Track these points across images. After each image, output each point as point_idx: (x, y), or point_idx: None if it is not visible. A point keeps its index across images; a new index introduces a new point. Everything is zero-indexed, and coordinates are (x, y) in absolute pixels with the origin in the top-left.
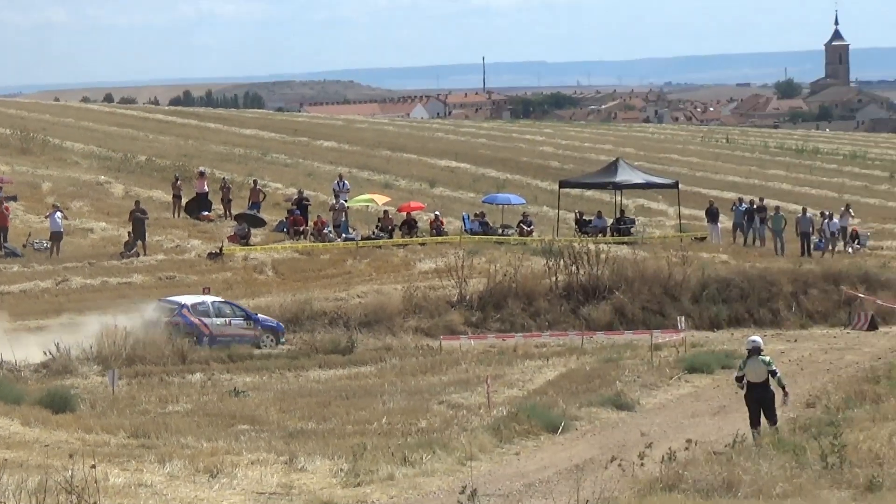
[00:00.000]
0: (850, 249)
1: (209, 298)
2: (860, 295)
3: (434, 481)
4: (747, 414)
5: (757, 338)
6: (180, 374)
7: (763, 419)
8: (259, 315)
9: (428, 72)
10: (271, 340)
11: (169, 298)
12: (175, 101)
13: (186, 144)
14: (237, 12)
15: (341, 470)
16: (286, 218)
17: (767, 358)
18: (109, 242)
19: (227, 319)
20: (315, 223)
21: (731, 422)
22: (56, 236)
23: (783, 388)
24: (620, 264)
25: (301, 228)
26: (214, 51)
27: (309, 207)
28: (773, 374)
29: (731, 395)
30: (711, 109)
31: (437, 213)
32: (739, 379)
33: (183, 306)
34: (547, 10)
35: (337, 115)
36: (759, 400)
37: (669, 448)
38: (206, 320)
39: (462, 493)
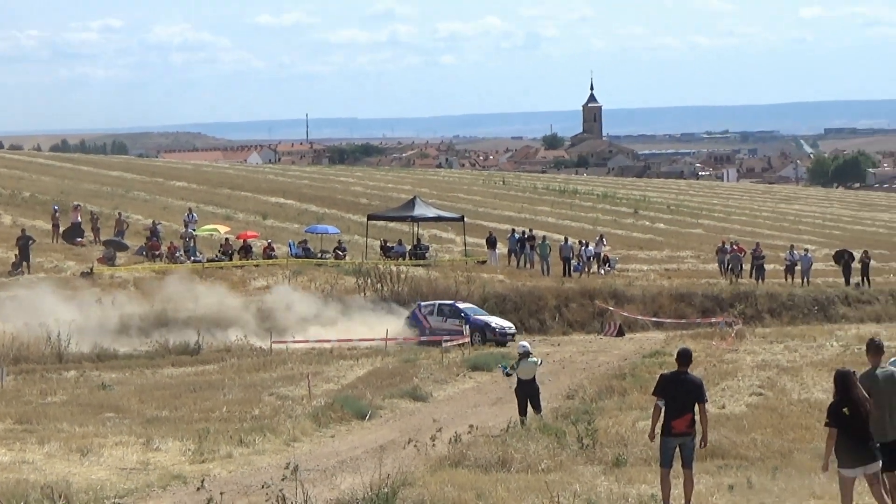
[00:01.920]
0: (602, 271)
1: (438, 301)
2: (610, 308)
3: (265, 459)
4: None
5: (526, 343)
6: (58, 371)
7: (530, 409)
8: (475, 316)
9: (262, 125)
10: (478, 338)
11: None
12: (55, 148)
13: (63, 183)
14: (107, 75)
15: (189, 449)
16: (145, 243)
17: (537, 359)
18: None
19: (445, 318)
20: (169, 248)
21: (506, 411)
22: None
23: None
24: (417, 283)
25: (157, 252)
26: (88, 107)
27: (162, 234)
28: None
29: (506, 389)
30: (491, 157)
31: (269, 240)
32: (508, 375)
33: (417, 305)
34: (360, 76)
35: (188, 160)
36: (528, 393)
37: (456, 432)
38: (430, 318)
39: (286, 468)
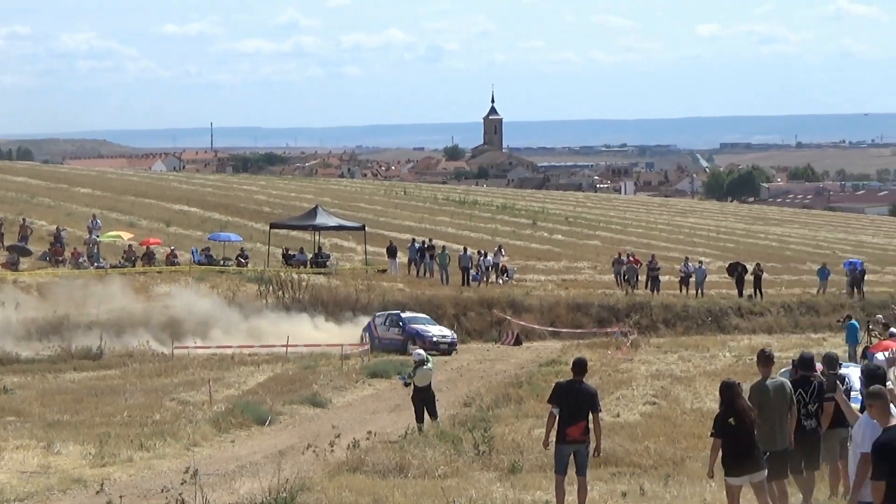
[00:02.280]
0: (500, 281)
1: (387, 312)
2: (508, 317)
3: (165, 463)
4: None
5: (422, 351)
6: None
7: (427, 416)
8: (410, 325)
9: (166, 134)
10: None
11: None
12: None
13: None
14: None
15: (90, 453)
16: (49, 249)
17: (433, 366)
18: None
19: (388, 327)
20: (72, 253)
21: (405, 417)
22: None
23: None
24: (318, 290)
25: (61, 258)
26: None
27: (66, 240)
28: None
29: (405, 396)
30: (393, 168)
31: (172, 247)
32: (408, 384)
33: (374, 315)
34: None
35: (92, 167)
36: (424, 400)
37: (354, 438)
38: (380, 328)
39: (186, 472)
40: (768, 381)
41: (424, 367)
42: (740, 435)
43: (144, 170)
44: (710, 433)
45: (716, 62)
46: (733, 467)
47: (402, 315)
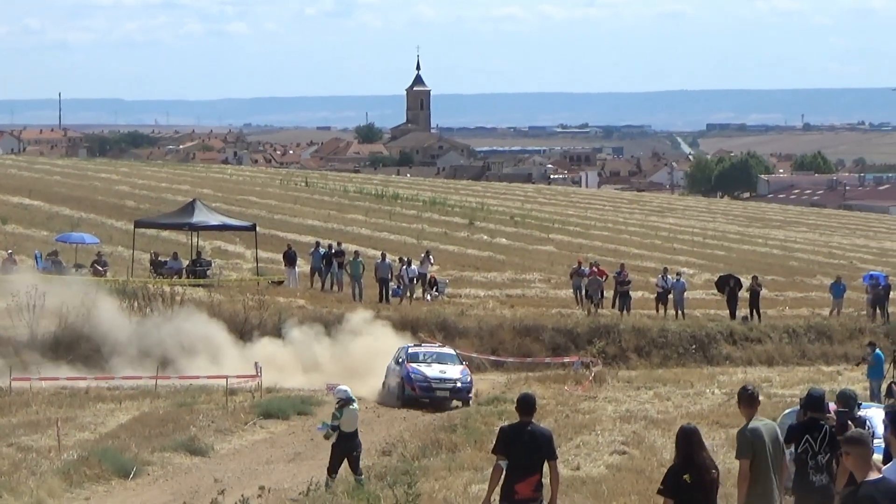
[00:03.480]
0: (428, 296)
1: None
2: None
3: None
4: (324, 461)
5: (346, 387)
6: None
7: (347, 468)
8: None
9: (2, 106)
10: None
11: None
12: None
13: None
14: None
15: None
16: None
17: (357, 406)
18: None
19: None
20: None
21: (307, 468)
22: None
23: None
24: (196, 307)
25: None
26: None
27: None
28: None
29: (307, 442)
30: (291, 152)
31: (9, 251)
32: (335, 428)
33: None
34: (126, 47)
35: None
36: (348, 450)
37: (242, 495)
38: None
39: None
40: (761, 424)
41: (351, 406)
42: (697, 498)
43: None
44: (658, 489)
45: (702, 21)
46: None
47: (409, 349)
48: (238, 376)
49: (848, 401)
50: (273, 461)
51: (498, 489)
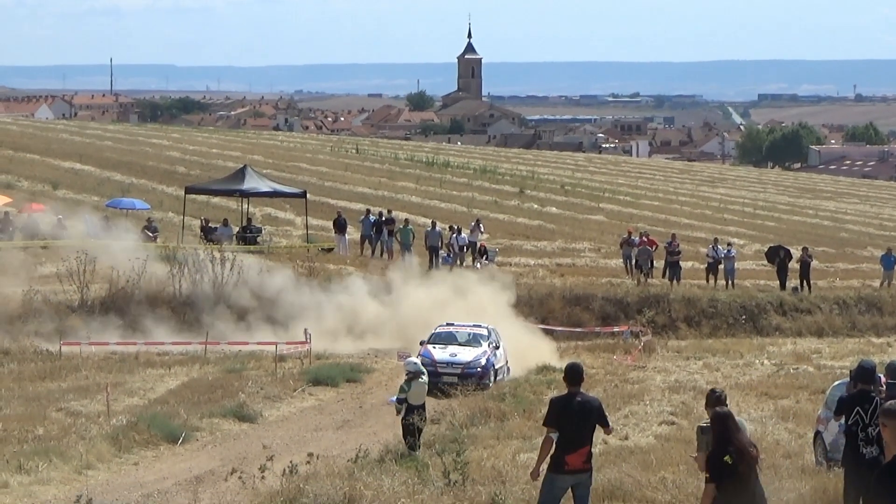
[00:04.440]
0: (478, 265)
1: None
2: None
3: (50, 490)
4: (373, 429)
5: (416, 359)
6: None
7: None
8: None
9: (54, 71)
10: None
11: None
12: None
13: None
14: None
15: None
16: None
17: (427, 379)
18: None
19: None
20: None
21: (355, 436)
22: None
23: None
24: (246, 273)
25: None
26: None
27: None
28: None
29: (356, 410)
30: (342, 119)
31: (60, 216)
32: (402, 401)
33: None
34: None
35: None
36: (415, 422)
37: (291, 461)
38: None
39: (77, 502)
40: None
41: (420, 379)
42: (742, 477)
43: (25, 116)
44: (705, 478)
45: None
46: None
47: (437, 329)
48: (287, 343)
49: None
50: (322, 428)
51: (547, 459)
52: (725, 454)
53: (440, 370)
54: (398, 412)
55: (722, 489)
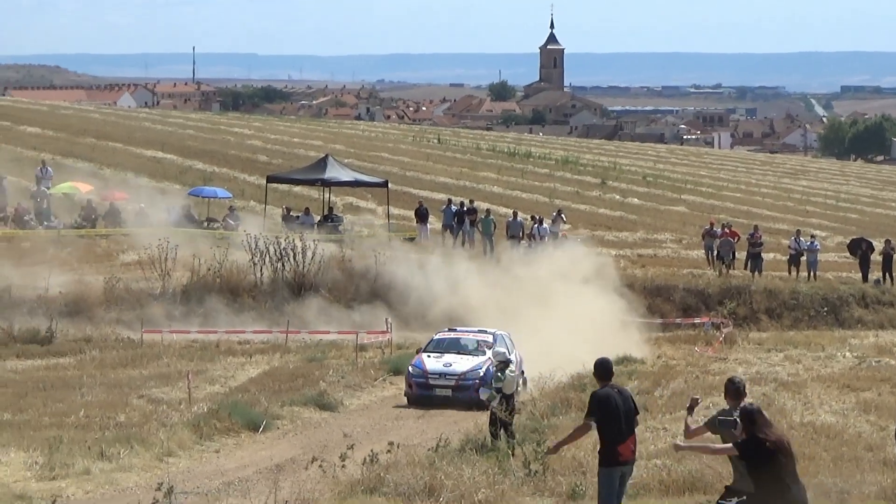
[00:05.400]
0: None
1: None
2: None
3: (131, 477)
4: (453, 417)
5: (504, 349)
6: None
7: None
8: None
9: (136, 59)
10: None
11: None
12: None
13: None
14: None
15: (36, 463)
16: None
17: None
18: None
19: None
20: (16, 210)
21: (435, 425)
22: None
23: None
24: (327, 263)
25: (1, 215)
26: None
27: (8, 192)
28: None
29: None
30: (424, 109)
31: (142, 204)
32: (499, 391)
33: None
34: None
35: (42, 100)
36: (506, 411)
37: (371, 450)
38: None
39: (158, 489)
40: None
41: (508, 370)
42: (783, 469)
43: (108, 105)
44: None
45: None
46: None
47: (436, 336)
48: (368, 332)
49: None
50: (402, 417)
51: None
52: (759, 445)
53: (431, 382)
54: (489, 402)
55: (760, 483)
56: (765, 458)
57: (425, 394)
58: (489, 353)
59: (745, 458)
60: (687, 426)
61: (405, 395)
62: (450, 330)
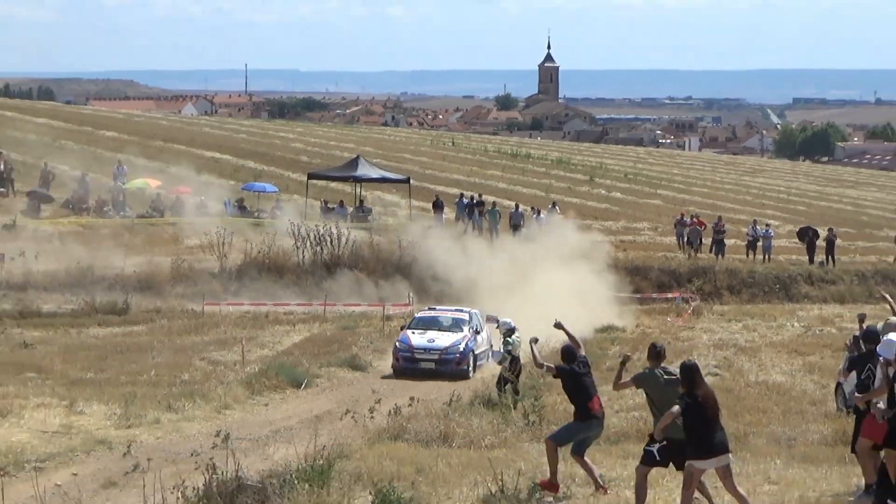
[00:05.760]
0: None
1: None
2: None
3: (194, 426)
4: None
5: (509, 318)
6: None
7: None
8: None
9: (198, 75)
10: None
11: None
12: None
13: None
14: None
15: (115, 414)
16: (71, 196)
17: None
18: None
19: None
20: (96, 202)
21: (449, 384)
22: None
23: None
24: (358, 246)
25: (84, 206)
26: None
27: (90, 187)
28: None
29: None
30: (440, 117)
31: (202, 197)
32: (510, 353)
33: None
34: (302, 26)
35: (118, 109)
36: (513, 372)
37: (395, 404)
38: None
39: (217, 436)
40: (658, 371)
41: (514, 335)
42: (710, 420)
43: (174, 113)
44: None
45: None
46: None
47: (418, 315)
48: (393, 304)
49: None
50: (420, 377)
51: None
52: (692, 398)
53: (417, 356)
54: (500, 362)
55: (691, 430)
56: (699, 411)
57: (411, 366)
58: (466, 329)
59: (686, 412)
60: (617, 377)
61: (392, 367)
62: (430, 309)
